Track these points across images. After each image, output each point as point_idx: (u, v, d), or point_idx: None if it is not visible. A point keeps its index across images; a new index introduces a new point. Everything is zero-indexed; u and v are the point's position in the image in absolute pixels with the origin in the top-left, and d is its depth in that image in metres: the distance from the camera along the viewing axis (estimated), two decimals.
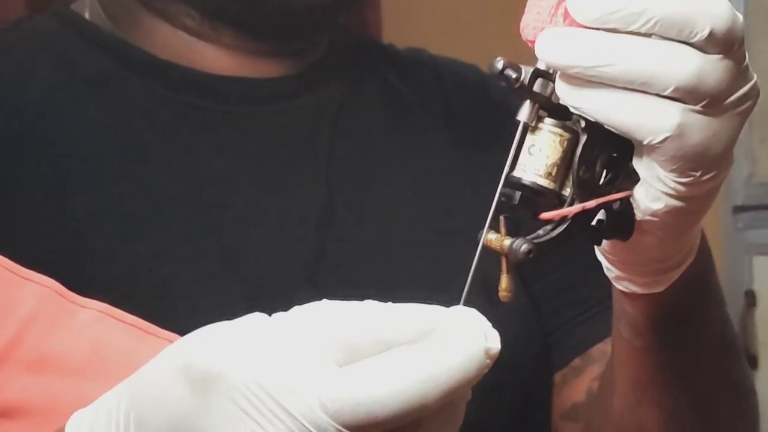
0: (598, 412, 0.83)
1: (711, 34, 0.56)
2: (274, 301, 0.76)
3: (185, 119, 0.81)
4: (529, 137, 0.58)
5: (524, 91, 0.57)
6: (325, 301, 0.52)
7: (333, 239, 0.81)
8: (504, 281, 0.57)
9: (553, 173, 0.57)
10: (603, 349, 0.84)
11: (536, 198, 0.57)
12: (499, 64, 0.56)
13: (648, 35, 0.56)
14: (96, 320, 0.72)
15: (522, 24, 0.59)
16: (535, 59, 0.58)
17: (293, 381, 0.47)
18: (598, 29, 0.56)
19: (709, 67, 0.56)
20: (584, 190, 0.57)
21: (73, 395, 0.71)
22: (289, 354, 0.48)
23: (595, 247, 0.66)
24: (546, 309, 0.86)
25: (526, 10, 0.59)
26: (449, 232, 0.84)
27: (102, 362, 0.72)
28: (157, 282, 0.75)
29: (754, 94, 0.59)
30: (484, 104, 0.91)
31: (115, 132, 0.80)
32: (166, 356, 0.52)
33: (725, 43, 0.56)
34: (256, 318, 0.52)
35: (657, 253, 0.64)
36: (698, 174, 0.58)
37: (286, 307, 0.76)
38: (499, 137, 0.90)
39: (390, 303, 0.52)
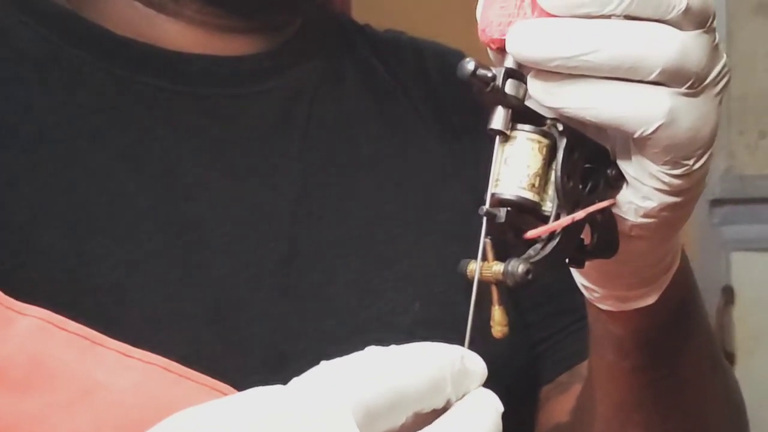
0: None
1: (688, 8, 0.52)
2: (239, 308, 0.71)
3: (142, 102, 0.74)
4: (502, 148, 0.52)
5: (498, 95, 0.50)
6: (324, 363, 0.47)
7: (307, 238, 0.74)
8: (498, 314, 0.52)
9: (536, 184, 0.51)
10: None
11: (520, 215, 0.51)
12: (471, 65, 0.50)
13: (621, 17, 0.52)
14: (36, 329, 0.65)
15: (482, 23, 0.53)
16: (494, 64, 0.53)
17: None
18: (570, 16, 0.51)
19: (690, 45, 0.53)
20: (570, 201, 0.52)
21: (9, 413, 0.64)
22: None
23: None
24: (532, 318, 0.80)
25: (484, 7, 0.53)
26: (433, 229, 0.78)
27: (43, 376, 0.64)
28: (107, 285, 0.68)
29: (726, 72, 0.56)
30: (469, 91, 0.85)
31: (63, 116, 0.72)
32: None
33: (701, 18, 0.53)
34: (265, 398, 0.45)
35: (648, 260, 0.61)
36: (691, 162, 0.55)
37: (251, 315, 0.71)
38: (486, 127, 0.85)
39: (393, 347, 0.47)
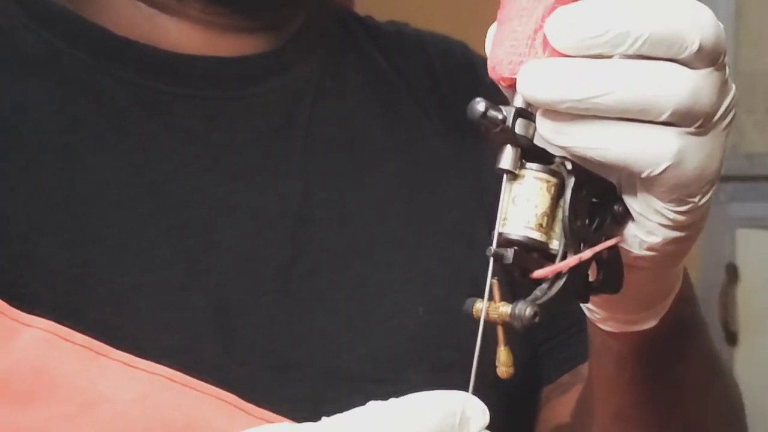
0: None
1: (700, 48, 0.52)
2: (241, 315, 0.71)
3: (144, 105, 0.73)
4: (510, 187, 0.51)
5: (508, 135, 0.50)
6: (325, 420, 0.47)
7: (310, 242, 0.73)
8: (503, 354, 0.52)
9: (544, 224, 0.51)
10: None
11: (527, 254, 0.51)
12: (481, 106, 0.50)
13: (634, 57, 0.51)
14: (41, 340, 0.65)
15: (492, 60, 0.52)
16: (506, 101, 0.52)
17: None
18: (582, 56, 0.51)
19: (701, 85, 0.52)
20: (577, 240, 0.52)
21: (11, 426, 0.64)
22: None
23: None
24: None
25: (494, 43, 0.52)
26: (436, 229, 0.77)
27: (46, 388, 0.64)
28: (110, 294, 0.68)
29: (733, 105, 0.55)
30: (475, 86, 0.83)
31: (63, 120, 0.72)
32: None
33: (714, 56, 0.53)
34: None
35: (650, 288, 0.61)
36: (696, 199, 0.55)
37: (253, 322, 0.70)
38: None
39: (393, 401, 0.47)
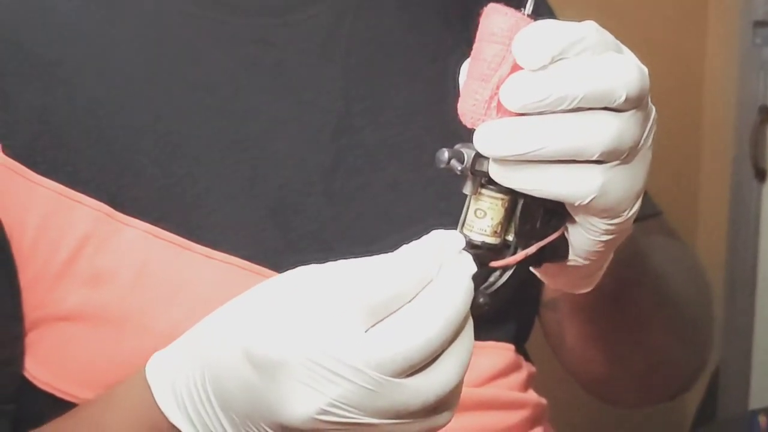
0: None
1: (627, 98, 0.62)
2: (294, 213, 0.83)
3: (209, 35, 0.84)
4: (473, 202, 0.66)
5: (468, 172, 0.64)
6: (340, 263, 0.62)
7: (349, 148, 0.85)
8: None
9: (498, 231, 0.65)
10: None
11: (486, 252, 0.65)
12: (444, 156, 0.64)
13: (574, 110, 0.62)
14: (140, 239, 0.78)
15: (460, 110, 0.65)
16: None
17: (341, 352, 0.59)
18: (528, 114, 0.62)
19: (625, 127, 0.62)
20: (526, 239, 0.65)
21: (124, 306, 0.79)
22: (331, 329, 0.59)
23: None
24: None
25: (461, 95, 0.65)
26: (457, 135, 0.89)
27: (147, 277, 0.78)
28: (190, 199, 0.80)
29: (654, 121, 0.65)
30: None
31: (143, 52, 0.83)
32: (230, 339, 0.62)
33: (638, 101, 0.63)
34: (295, 293, 0.61)
35: (587, 271, 0.72)
36: (624, 213, 0.66)
37: (305, 218, 0.83)
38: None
39: (391, 254, 0.62)
